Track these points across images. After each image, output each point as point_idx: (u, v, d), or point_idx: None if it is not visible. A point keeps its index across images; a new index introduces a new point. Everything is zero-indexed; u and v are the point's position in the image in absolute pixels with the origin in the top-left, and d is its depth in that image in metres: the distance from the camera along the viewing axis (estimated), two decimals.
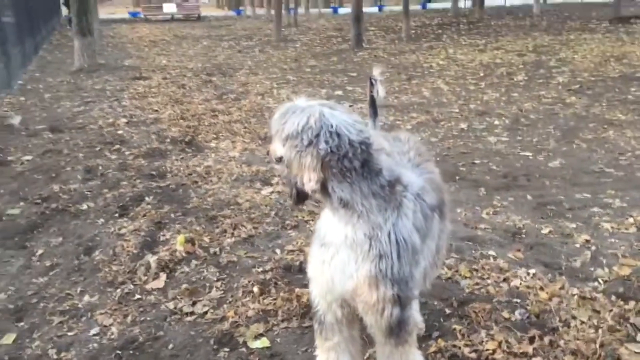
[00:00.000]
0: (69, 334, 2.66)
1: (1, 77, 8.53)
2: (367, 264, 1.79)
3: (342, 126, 1.69)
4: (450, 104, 7.66)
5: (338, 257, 1.82)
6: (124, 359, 2.47)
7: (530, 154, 5.35)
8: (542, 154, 5.35)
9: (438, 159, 5.23)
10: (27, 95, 8.74)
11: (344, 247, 1.80)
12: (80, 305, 2.89)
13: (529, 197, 4.24)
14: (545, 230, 3.58)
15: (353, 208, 1.75)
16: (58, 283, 3.11)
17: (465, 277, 3.00)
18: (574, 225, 3.65)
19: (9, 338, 2.64)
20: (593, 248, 3.31)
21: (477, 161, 5.17)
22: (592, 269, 3.07)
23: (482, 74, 9.89)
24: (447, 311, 2.71)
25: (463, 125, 6.49)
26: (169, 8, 28.14)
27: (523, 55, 11.98)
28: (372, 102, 2.59)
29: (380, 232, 1.78)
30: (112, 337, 2.62)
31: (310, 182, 1.68)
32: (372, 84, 2.51)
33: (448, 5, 29.41)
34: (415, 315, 2.45)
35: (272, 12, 19.62)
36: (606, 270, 3.03)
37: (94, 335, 2.64)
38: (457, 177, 4.75)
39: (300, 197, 1.77)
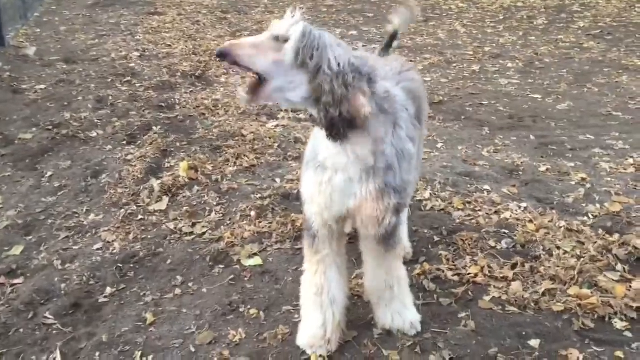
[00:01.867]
0: (74, 247, 2.81)
1: (18, 9, 8.54)
2: (374, 178, 1.86)
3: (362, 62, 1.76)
4: (464, 47, 7.55)
5: (338, 177, 1.89)
6: (124, 271, 2.62)
7: (540, 97, 5.31)
8: (552, 96, 5.31)
9: (445, 98, 5.23)
10: (42, 27, 8.77)
11: (342, 167, 1.86)
12: (85, 223, 3.03)
13: (532, 137, 4.25)
14: (542, 168, 3.61)
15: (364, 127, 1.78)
16: (65, 202, 3.25)
17: (458, 209, 3.07)
18: (572, 165, 3.68)
19: (17, 249, 2.79)
20: (588, 186, 3.35)
21: (484, 102, 5.15)
22: (583, 205, 3.12)
23: (501, 17, 9.67)
24: (436, 239, 2.80)
25: (475, 68, 6.43)
26: None
27: None
28: (391, 37, 2.65)
29: (384, 146, 1.85)
30: (114, 251, 2.76)
31: (368, 107, 1.73)
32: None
33: None
34: (404, 239, 2.56)
35: None
36: (597, 206, 3.08)
37: (97, 249, 2.78)
38: (462, 117, 4.76)
39: (347, 127, 1.76)
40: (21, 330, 2.25)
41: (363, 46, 6.89)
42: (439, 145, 4.08)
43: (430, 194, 3.24)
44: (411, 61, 6.69)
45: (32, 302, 2.39)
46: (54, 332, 2.24)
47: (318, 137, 1.94)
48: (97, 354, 2.11)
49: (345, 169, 1.87)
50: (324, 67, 1.69)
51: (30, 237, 2.89)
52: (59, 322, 2.28)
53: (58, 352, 2.12)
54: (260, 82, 1.70)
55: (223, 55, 1.65)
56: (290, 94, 1.72)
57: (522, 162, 3.71)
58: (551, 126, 4.53)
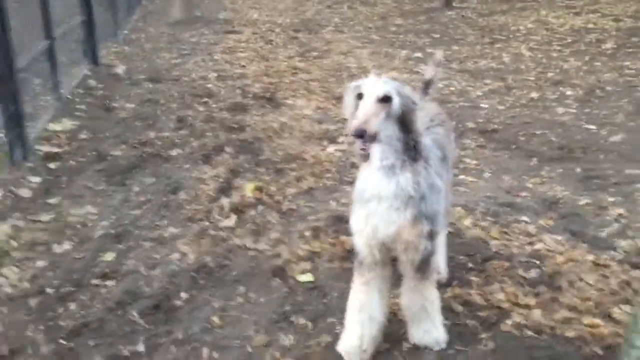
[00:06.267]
0: (156, 256, 3.30)
1: (109, 27, 9.38)
2: (411, 207, 2.26)
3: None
4: (527, 71, 7.70)
5: (381, 208, 2.28)
6: (197, 279, 3.07)
7: (594, 127, 5.45)
8: (606, 128, 5.43)
9: (499, 127, 5.46)
10: (130, 45, 9.58)
11: (387, 197, 2.26)
12: (165, 235, 3.52)
13: (578, 169, 4.44)
14: (582, 202, 3.83)
15: (401, 161, 2.23)
16: (149, 215, 3.77)
17: (495, 238, 3.36)
18: (612, 199, 3.87)
19: (110, 256, 3.31)
20: (624, 221, 3.55)
21: (537, 132, 5.35)
22: (616, 240, 3.33)
23: (569, 40, 9.70)
24: (470, 265, 3.11)
25: (534, 95, 6.60)
26: None
27: (619, 21, 11.50)
28: (428, 83, 3.02)
29: (420, 179, 2.25)
30: (189, 262, 3.22)
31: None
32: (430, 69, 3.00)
33: None
34: (440, 262, 2.91)
35: None
36: (629, 242, 3.28)
37: (175, 259, 3.26)
38: (513, 146, 5.00)
39: (415, 152, 2.24)
40: (113, 325, 2.73)
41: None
42: (486, 175, 4.35)
43: (471, 222, 3.54)
44: (471, 86, 6.94)
45: (121, 302, 2.87)
46: (139, 328, 2.71)
47: (366, 172, 2.35)
48: (173, 348, 2.57)
49: (389, 198, 2.26)
50: (411, 108, 2.21)
51: (121, 245, 3.40)
52: (143, 320, 2.75)
53: (142, 344, 2.58)
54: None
55: (361, 135, 2.11)
56: (384, 138, 2.19)
57: (563, 195, 3.94)
58: (599, 158, 4.70)
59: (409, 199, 2.26)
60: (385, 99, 2.15)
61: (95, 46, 7.76)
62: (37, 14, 5.52)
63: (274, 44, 9.66)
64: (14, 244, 3.38)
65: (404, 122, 2.20)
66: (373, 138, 2.15)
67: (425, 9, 14.33)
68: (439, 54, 3.10)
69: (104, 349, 2.58)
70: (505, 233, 3.41)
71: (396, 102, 2.15)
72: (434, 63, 3.03)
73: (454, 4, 14.43)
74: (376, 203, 2.29)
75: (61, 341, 2.62)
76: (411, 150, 2.23)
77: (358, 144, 2.18)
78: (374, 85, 2.19)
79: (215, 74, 7.46)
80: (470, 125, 5.49)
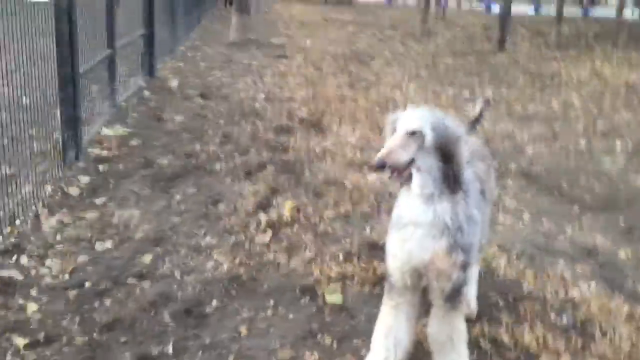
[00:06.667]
0: (191, 263, 3.38)
1: (168, 43, 9.73)
2: (447, 236, 2.28)
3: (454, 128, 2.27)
4: (576, 120, 7.62)
5: (418, 234, 2.31)
6: (228, 288, 3.14)
7: None
8: None
9: (543, 172, 5.41)
10: (186, 61, 9.91)
11: (425, 224, 2.29)
12: (202, 244, 3.61)
13: (620, 221, 4.36)
14: (622, 253, 3.76)
15: (440, 190, 2.26)
16: (188, 224, 3.87)
17: (528, 281, 3.33)
18: None
19: (147, 258, 3.41)
20: None
21: (582, 180, 5.28)
22: None
23: (622, 93, 9.57)
24: (501, 304, 3.08)
25: (582, 143, 6.51)
26: None
27: None
28: (474, 120, 3.07)
29: (458, 209, 2.28)
30: (222, 271, 3.29)
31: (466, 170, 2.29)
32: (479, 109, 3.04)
33: (613, 13, 27.50)
34: (471, 297, 2.91)
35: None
36: None
37: (209, 268, 3.33)
38: (555, 192, 4.94)
39: (453, 183, 2.26)
40: (144, 324, 2.80)
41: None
42: (525, 217, 4.31)
43: (506, 262, 3.52)
44: (517, 129, 6.91)
45: (154, 303, 2.95)
46: (169, 330, 2.77)
47: (404, 199, 2.39)
48: (200, 353, 2.62)
49: (425, 226, 2.29)
50: (446, 142, 2.23)
51: (159, 249, 3.50)
52: (174, 322, 2.82)
53: (171, 346, 2.64)
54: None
55: (382, 166, 2.18)
56: (423, 167, 2.24)
57: (603, 244, 3.87)
58: None
59: (445, 228, 2.29)
60: (416, 132, 2.20)
61: (153, 60, 8.06)
62: (102, 25, 5.80)
63: (324, 71, 9.84)
64: (59, 237, 3.51)
65: (444, 154, 2.23)
66: (399, 169, 2.21)
67: (476, 50, 14.37)
68: (489, 94, 3.15)
69: (134, 346, 2.65)
70: (540, 276, 3.37)
71: (428, 135, 2.19)
72: (483, 102, 3.08)
73: (506, 48, 14.44)
74: (412, 229, 2.33)
75: (94, 334, 2.70)
76: (451, 181, 2.26)
77: (386, 173, 2.23)
78: (406, 118, 2.25)
79: (263, 95, 7.64)
80: (513, 167, 5.45)
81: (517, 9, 17.64)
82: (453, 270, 2.33)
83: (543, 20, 25.86)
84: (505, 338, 2.77)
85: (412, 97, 8.12)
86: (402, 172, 2.25)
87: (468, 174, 2.44)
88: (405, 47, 14.02)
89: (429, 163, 2.23)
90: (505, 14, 14.45)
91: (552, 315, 2.97)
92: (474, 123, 3.04)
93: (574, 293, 3.19)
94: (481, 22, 22.10)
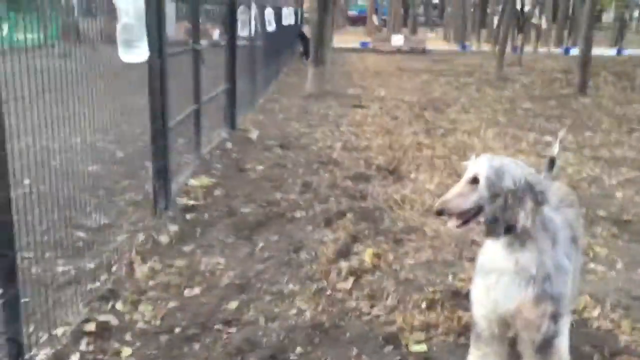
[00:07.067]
0: (275, 310, 3.44)
1: (249, 97, 10.15)
2: (534, 285, 2.23)
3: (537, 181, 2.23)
4: None
5: (502, 282, 2.29)
6: (312, 336, 3.16)
7: None
8: None
9: (636, 218, 5.16)
10: (265, 113, 10.27)
11: (509, 272, 2.26)
12: (285, 291, 3.67)
13: None
14: None
15: (527, 239, 2.21)
16: (271, 271, 3.95)
17: (625, 333, 3.15)
18: None
19: (233, 305, 3.50)
20: None
21: None
22: None
23: None
24: (596, 358, 2.93)
25: None
26: (397, 41, 29.55)
27: None
28: (551, 161, 3.02)
29: (544, 258, 2.23)
30: (306, 319, 3.33)
31: (527, 220, 2.18)
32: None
33: None
34: (564, 351, 2.78)
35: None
36: None
37: (293, 314, 3.38)
38: None
39: (506, 230, 2.22)
40: None
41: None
42: (618, 266, 4.11)
43: (599, 313, 3.35)
44: (605, 174, 6.65)
45: (240, 349, 3.01)
46: None
47: (489, 245, 2.36)
48: None
49: (509, 274, 2.25)
50: (502, 188, 2.18)
51: (244, 296, 3.59)
52: None
53: None
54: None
55: (441, 213, 2.24)
56: (490, 214, 2.22)
57: None
58: None
59: (530, 277, 2.23)
60: (477, 180, 2.19)
61: (235, 112, 8.43)
62: (189, 81, 6.15)
63: (400, 120, 9.90)
64: (151, 283, 3.68)
65: (504, 201, 2.17)
66: (463, 216, 2.19)
67: (555, 94, 14.04)
68: (562, 132, 3.09)
69: None
70: (637, 328, 3.19)
71: (482, 183, 2.17)
72: (558, 141, 3.02)
73: (587, 91, 14.02)
74: (497, 277, 2.29)
75: None
76: (501, 229, 2.19)
77: (451, 220, 2.25)
78: (471, 165, 2.25)
79: (340, 144, 7.77)
80: (602, 213, 5.23)
81: (597, 50, 17.15)
82: (542, 320, 2.27)
83: (626, 61, 24.97)
84: None
85: (490, 144, 8.01)
86: (468, 220, 2.23)
87: (557, 220, 2.39)
88: (481, 94, 13.91)
89: (493, 211, 2.18)
90: (586, 55, 14.07)
91: None
92: (552, 164, 2.97)
93: None
94: (560, 65, 21.62)
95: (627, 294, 3.63)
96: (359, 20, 52.27)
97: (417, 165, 6.73)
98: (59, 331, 3.06)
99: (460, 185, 2.24)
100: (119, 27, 3.80)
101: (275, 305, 3.49)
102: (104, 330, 3.14)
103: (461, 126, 9.44)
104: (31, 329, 2.89)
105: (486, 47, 32.33)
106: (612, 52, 29.79)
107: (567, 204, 2.68)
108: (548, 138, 8.68)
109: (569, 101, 12.80)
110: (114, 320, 3.23)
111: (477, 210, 2.22)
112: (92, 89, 3.63)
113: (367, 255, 4.08)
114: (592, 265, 4.05)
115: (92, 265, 3.75)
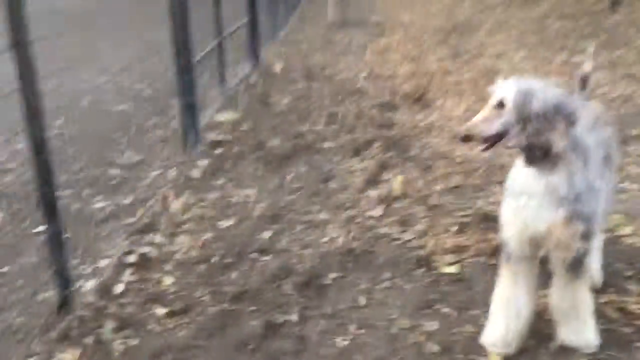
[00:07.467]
0: (307, 238, 3.52)
1: (270, 29, 9.98)
2: (565, 205, 2.23)
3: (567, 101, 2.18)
4: None
5: (533, 203, 2.28)
6: (344, 262, 3.24)
7: None
8: None
9: None
10: (288, 45, 10.11)
11: (540, 193, 2.25)
12: (316, 220, 3.74)
13: None
14: None
15: (558, 160, 2.19)
16: (302, 201, 4.01)
17: None
18: None
19: (267, 234, 3.59)
20: None
21: None
22: None
23: None
24: (629, 273, 2.96)
25: None
26: None
27: None
28: (583, 79, 2.93)
29: (575, 178, 2.21)
30: (338, 245, 3.40)
31: (562, 142, 2.15)
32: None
33: None
34: (595, 268, 2.81)
35: None
36: None
37: (325, 242, 3.46)
38: None
39: (544, 154, 2.17)
40: (269, 295, 2.97)
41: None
42: None
43: (632, 230, 3.35)
44: (637, 92, 6.46)
45: (276, 275, 3.11)
46: (292, 300, 2.91)
47: (518, 167, 2.35)
48: (323, 321, 2.75)
49: (539, 196, 2.25)
50: (531, 112, 2.14)
51: (276, 225, 3.67)
52: (296, 293, 2.96)
53: (295, 315, 2.79)
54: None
55: (467, 139, 2.21)
56: (512, 138, 2.20)
57: None
58: None
59: (561, 199, 2.22)
60: (503, 104, 2.15)
61: (257, 45, 8.32)
62: (210, 15, 6.07)
63: (425, 46, 9.67)
64: (186, 217, 3.78)
65: (533, 125, 2.13)
66: (489, 140, 2.17)
67: (588, 11, 13.47)
68: (591, 48, 2.98)
69: (261, 315, 2.82)
70: None
71: (509, 107, 2.13)
72: (588, 56, 2.92)
73: (619, 7, 13.41)
74: (526, 198, 2.29)
75: (225, 304, 2.91)
76: (537, 154, 2.16)
77: (477, 145, 2.23)
78: (496, 89, 2.20)
79: (365, 74, 7.66)
80: (635, 132, 5.13)
81: None
82: (573, 240, 2.27)
83: None
84: (634, 307, 2.67)
85: (519, 66, 7.81)
86: (493, 143, 2.21)
87: (590, 141, 2.35)
88: (508, 14, 13.42)
89: (519, 135, 2.16)
90: None
91: None
92: (585, 81, 2.89)
93: None
94: None
95: None
96: None
97: (444, 92, 6.61)
98: (102, 263, 3.20)
99: (487, 110, 2.21)
100: None
101: (307, 233, 3.57)
102: (144, 261, 3.27)
103: (489, 50, 9.18)
104: (76, 262, 3.02)
105: None
106: None
107: (600, 123, 2.62)
108: (579, 58, 8.41)
109: (601, 17, 12.29)
110: (153, 252, 3.35)
111: (504, 134, 2.19)
112: (114, 27, 3.62)
113: (396, 183, 4.09)
114: (625, 184, 4.01)
115: (128, 201, 3.86)
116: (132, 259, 3.24)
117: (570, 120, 2.17)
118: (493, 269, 2.96)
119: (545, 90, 2.17)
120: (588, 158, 2.28)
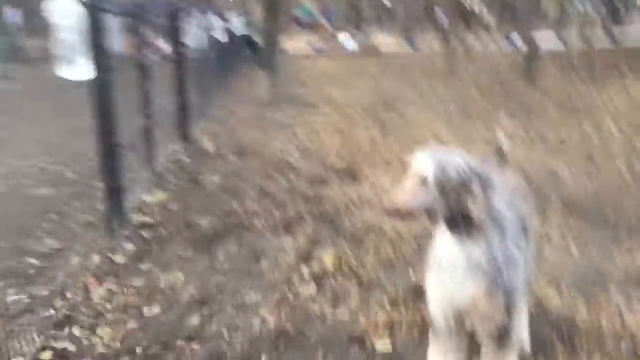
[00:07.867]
0: (238, 321, 3.40)
1: (201, 108, 10.04)
2: (486, 279, 2.25)
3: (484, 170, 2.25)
4: (613, 143, 7.49)
5: (456, 277, 2.29)
6: (277, 344, 3.14)
7: None
8: None
9: (585, 199, 5.30)
10: (219, 123, 10.18)
11: (462, 267, 2.27)
12: (247, 302, 3.64)
13: None
14: None
15: (476, 232, 2.21)
16: (233, 283, 3.90)
17: (581, 310, 3.23)
18: None
19: (195, 320, 3.44)
20: None
21: (625, 204, 5.15)
22: None
23: None
24: (555, 339, 2.99)
25: (622, 167, 6.38)
26: (350, 45, 29.66)
27: None
28: (499, 149, 3.05)
29: (495, 250, 2.24)
30: (270, 328, 3.30)
31: (481, 210, 2.18)
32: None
33: None
34: (523, 336, 2.84)
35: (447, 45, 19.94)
36: None
37: (256, 325, 3.35)
38: (599, 219, 4.82)
39: (465, 223, 2.21)
40: None
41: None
42: (572, 248, 4.21)
43: (556, 296, 3.43)
44: (552, 159, 6.81)
45: None
46: None
47: (440, 239, 2.38)
48: None
49: (462, 269, 2.26)
50: (451, 184, 2.19)
51: (206, 311, 3.54)
52: None
53: None
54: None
55: (393, 212, 2.23)
56: (437, 209, 2.22)
57: None
58: None
59: (482, 271, 2.25)
60: (422, 177, 2.18)
61: (188, 124, 8.32)
62: (137, 97, 6.04)
63: (354, 120, 9.95)
64: (109, 306, 3.59)
65: (452, 197, 2.17)
66: (412, 213, 2.20)
67: (503, 83, 14.33)
68: (505, 121, 3.14)
69: None
70: (594, 307, 3.27)
71: (430, 179, 2.16)
72: (504, 127, 3.06)
73: (535, 80, 14.34)
74: (450, 272, 2.31)
75: None
76: (460, 225, 2.20)
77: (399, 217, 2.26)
78: (415, 162, 2.25)
79: (296, 149, 7.76)
80: (553, 197, 5.36)
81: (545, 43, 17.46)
82: (496, 313, 2.29)
83: (573, 50, 25.48)
84: None
85: (444, 138, 8.12)
86: (415, 216, 2.24)
87: (507, 212, 2.42)
88: (431, 89, 14.08)
89: (439, 206, 2.19)
90: (531, 49, 14.44)
91: (610, 344, 2.88)
92: (500, 155, 3.01)
93: (630, 320, 3.09)
94: (509, 58, 22.02)
95: (581, 274, 3.72)
96: (307, 25, 52.01)
97: (374, 165, 6.77)
98: None
99: (409, 183, 2.24)
100: (56, 43, 3.70)
101: (238, 316, 3.45)
102: (61, 358, 3.05)
103: (414, 122, 9.54)
104: None
105: (435, 43, 32.68)
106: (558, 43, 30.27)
107: (516, 193, 2.72)
108: (497, 128, 8.85)
109: (516, 90, 13.09)
110: (71, 347, 3.14)
111: (428, 205, 2.22)
112: (37, 110, 3.53)
113: (328, 259, 4.07)
114: (546, 250, 4.14)
115: (45, 292, 3.64)
116: (47, 356, 3.02)
117: (486, 187, 2.23)
118: (426, 345, 2.92)
119: (462, 160, 2.23)
120: (506, 229, 2.34)
